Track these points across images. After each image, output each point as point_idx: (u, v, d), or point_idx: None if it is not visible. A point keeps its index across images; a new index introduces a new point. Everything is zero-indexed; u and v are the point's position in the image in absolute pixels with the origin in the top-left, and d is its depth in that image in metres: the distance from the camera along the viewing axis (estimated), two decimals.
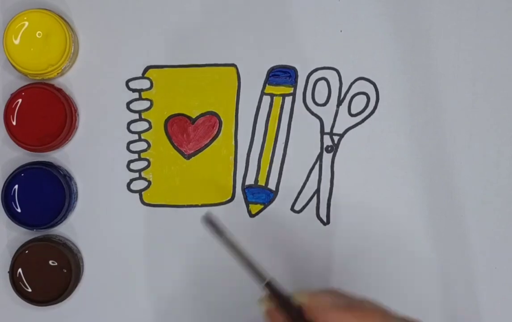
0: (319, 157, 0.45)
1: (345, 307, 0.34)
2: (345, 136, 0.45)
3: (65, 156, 0.44)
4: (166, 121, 0.45)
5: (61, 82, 0.44)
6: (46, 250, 0.42)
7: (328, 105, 0.45)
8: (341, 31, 0.45)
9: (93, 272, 0.44)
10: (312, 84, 0.45)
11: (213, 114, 0.45)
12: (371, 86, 0.45)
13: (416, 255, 0.45)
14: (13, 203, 0.42)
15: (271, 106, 0.45)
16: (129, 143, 0.44)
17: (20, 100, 0.42)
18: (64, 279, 0.42)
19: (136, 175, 0.45)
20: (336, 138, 0.45)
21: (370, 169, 0.45)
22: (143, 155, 0.45)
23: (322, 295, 0.35)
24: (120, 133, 0.44)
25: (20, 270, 0.42)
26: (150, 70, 0.44)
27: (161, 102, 0.45)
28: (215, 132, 0.45)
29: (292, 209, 0.45)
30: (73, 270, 0.42)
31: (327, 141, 0.45)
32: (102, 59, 0.44)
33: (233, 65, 0.45)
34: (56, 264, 0.42)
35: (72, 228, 0.44)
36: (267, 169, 0.45)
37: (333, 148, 0.45)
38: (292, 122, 0.45)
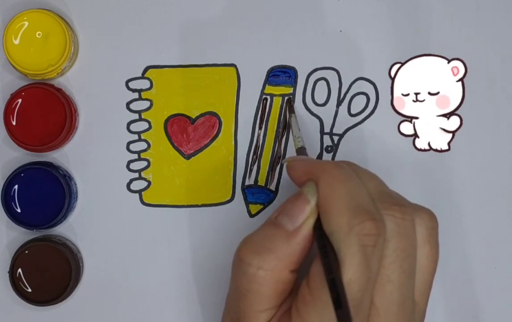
0: (319, 157, 0.45)
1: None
2: (345, 136, 0.45)
3: (65, 156, 0.44)
4: (166, 121, 0.45)
5: (61, 82, 0.44)
6: (46, 250, 0.42)
7: (328, 105, 0.45)
8: (341, 31, 0.45)
9: (93, 272, 0.44)
10: (312, 84, 0.45)
11: (213, 114, 0.45)
12: (371, 86, 0.45)
13: None
14: (13, 203, 0.42)
15: (271, 106, 0.45)
16: (129, 143, 0.44)
17: (20, 100, 0.42)
18: (64, 279, 0.42)
19: (136, 175, 0.45)
20: (336, 138, 0.45)
21: (370, 169, 0.45)
22: (143, 155, 0.45)
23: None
24: (120, 133, 0.44)
25: (20, 270, 0.42)
26: (150, 70, 0.44)
27: (161, 102, 0.45)
28: (215, 132, 0.45)
29: None
30: (73, 270, 0.42)
31: (327, 141, 0.45)
32: (102, 59, 0.44)
33: (233, 65, 0.45)
34: (56, 264, 0.42)
35: (72, 228, 0.44)
36: (267, 169, 0.45)
37: (333, 149, 0.45)
38: None
